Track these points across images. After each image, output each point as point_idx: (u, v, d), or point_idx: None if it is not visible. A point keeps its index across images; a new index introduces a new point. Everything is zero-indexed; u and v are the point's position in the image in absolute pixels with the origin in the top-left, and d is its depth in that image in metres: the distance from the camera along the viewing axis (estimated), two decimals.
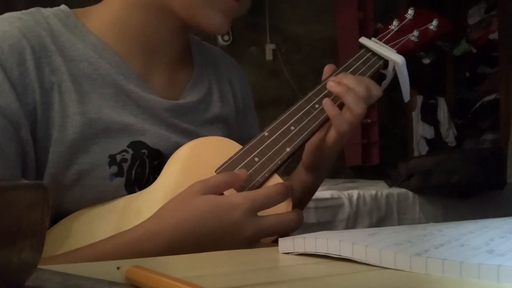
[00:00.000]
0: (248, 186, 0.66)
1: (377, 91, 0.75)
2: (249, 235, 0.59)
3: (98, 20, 0.74)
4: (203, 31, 0.75)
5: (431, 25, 0.84)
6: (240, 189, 0.64)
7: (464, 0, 4.03)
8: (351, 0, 3.67)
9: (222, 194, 0.63)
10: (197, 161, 0.71)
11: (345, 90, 0.73)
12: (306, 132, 0.71)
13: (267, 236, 0.61)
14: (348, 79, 0.74)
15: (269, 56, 3.67)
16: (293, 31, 3.71)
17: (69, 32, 0.71)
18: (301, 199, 0.85)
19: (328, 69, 0.80)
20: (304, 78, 3.47)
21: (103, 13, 0.75)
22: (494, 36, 3.73)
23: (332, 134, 0.74)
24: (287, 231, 0.62)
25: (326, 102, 0.73)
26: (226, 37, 3.44)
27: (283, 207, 0.63)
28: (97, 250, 0.60)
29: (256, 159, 0.68)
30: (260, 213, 0.61)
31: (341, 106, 0.74)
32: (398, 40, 0.84)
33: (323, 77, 0.79)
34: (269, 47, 3.67)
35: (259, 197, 0.60)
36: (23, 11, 0.71)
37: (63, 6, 0.74)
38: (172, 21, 0.74)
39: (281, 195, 0.61)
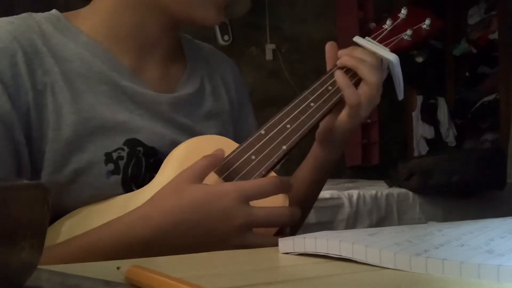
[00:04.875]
0: None
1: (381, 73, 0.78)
2: (239, 222, 0.59)
3: (88, 20, 0.75)
4: (196, 25, 0.77)
5: (424, 24, 0.85)
6: None
7: (464, 0, 4.02)
8: (351, 0, 3.67)
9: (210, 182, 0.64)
10: (194, 159, 0.72)
11: (358, 61, 0.76)
12: (302, 130, 0.72)
13: (257, 226, 0.61)
14: (358, 52, 0.77)
15: (269, 56, 3.67)
16: (293, 31, 3.71)
17: (60, 34, 0.73)
18: (314, 182, 0.85)
19: (330, 47, 0.81)
20: (304, 78, 3.47)
21: (93, 14, 0.76)
22: (494, 36, 3.73)
23: (345, 108, 0.75)
24: (278, 225, 0.63)
25: (338, 74, 0.75)
26: (226, 37, 3.43)
27: (280, 202, 0.63)
28: (93, 237, 0.61)
29: (253, 157, 0.69)
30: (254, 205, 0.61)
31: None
32: (391, 39, 0.85)
33: (327, 56, 0.80)
34: (269, 47, 3.66)
35: (251, 186, 0.61)
36: (15, 16, 0.72)
37: (53, 11, 0.76)
38: (163, 18, 0.75)
39: (274, 187, 0.62)
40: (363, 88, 0.75)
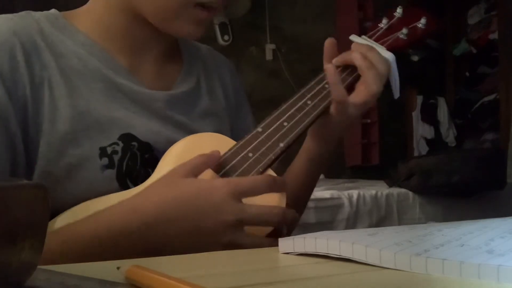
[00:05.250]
0: None
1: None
2: (228, 218, 0.59)
3: (85, 20, 0.76)
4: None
5: (419, 23, 0.86)
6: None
7: (464, 0, 4.02)
8: (351, 0, 3.67)
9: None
10: (192, 157, 0.72)
11: (368, 66, 0.75)
12: (299, 128, 0.73)
13: (248, 224, 0.61)
14: (373, 55, 0.77)
15: (269, 56, 3.67)
16: (293, 31, 3.71)
17: (58, 32, 0.74)
18: (306, 176, 0.84)
19: (329, 44, 0.82)
20: (304, 78, 3.45)
21: (90, 14, 0.77)
22: (494, 36, 3.73)
23: (332, 103, 0.76)
24: (270, 224, 0.63)
25: (329, 68, 0.75)
26: (226, 37, 3.43)
27: (276, 201, 0.63)
28: (81, 227, 0.62)
29: (250, 154, 0.69)
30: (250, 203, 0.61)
31: (350, 84, 0.77)
32: (387, 38, 0.85)
33: (325, 52, 0.82)
34: (269, 47, 3.66)
35: (242, 183, 0.62)
36: (14, 14, 0.73)
37: (53, 10, 0.77)
38: (150, 24, 0.75)
39: (266, 185, 0.62)
40: (360, 90, 0.76)
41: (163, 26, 0.74)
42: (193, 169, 0.63)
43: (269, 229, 0.64)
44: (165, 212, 0.60)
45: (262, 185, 0.62)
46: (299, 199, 0.86)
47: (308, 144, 0.83)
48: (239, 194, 0.61)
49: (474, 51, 3.91)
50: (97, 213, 0.62)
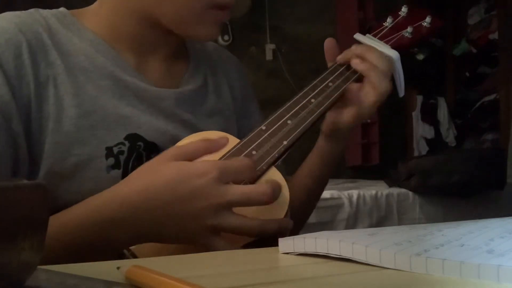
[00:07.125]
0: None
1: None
2: (212, 202, 0.57)
3: (93, 19, 0.76)
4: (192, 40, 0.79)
5: (425, 22, 0.86)
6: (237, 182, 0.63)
7: (464, 0, 4.03)
8: (351, 0, 3.67)
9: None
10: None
11: (370, 68, 0.76)
12: (303, 126, 0.73)
13: (234, 206, 0.59)
14: (371, 55, 0.77)
15: (269, 56, 3.67)
16: (293, 31, 3.71)
17: (66, 29, 0.74)
18: (317, 175, 0.85)
19: (329, 44, 0.83)
20: (304, 78, 3.47)
21: (98, 13, 0.77)
22: (494, 36, 3.73)
23: (350, 108, 0.77)
24: (258, 204, 0.60)
25: (356, 61, 0.76)
26: (226, 37, 3.44)
27: (274, 210, 0.62)
28: (70, 215, 0.61)
29: (254, 152, 0.69)
30: (242, 211, 0.59)
31: (356, 80, 0.78)
32: (392, 37, 0.85)
33: (326, 52, 0.83)
34: (269, 47, 3.67)
35: (228, 167, 0.60)
36: (22, 11, 0.73)
37: (61, 8, 0.77)
38: (161, 28, 0.75)
39: (249, 169, 0.61)
40: (369, 92, 0.76)
41: (182, 30, 0.74)
42: (185, 153, 0.61)
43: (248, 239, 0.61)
44: (147, 197, 0.59)
45: (246, 168, 0.60)
46: (308, 200, 0.87)
47: (321, 143, 0.84)
48: (224, 179, 0.59)
49: (474, 51, 3.91)
50: (87, 202, 0.62)
